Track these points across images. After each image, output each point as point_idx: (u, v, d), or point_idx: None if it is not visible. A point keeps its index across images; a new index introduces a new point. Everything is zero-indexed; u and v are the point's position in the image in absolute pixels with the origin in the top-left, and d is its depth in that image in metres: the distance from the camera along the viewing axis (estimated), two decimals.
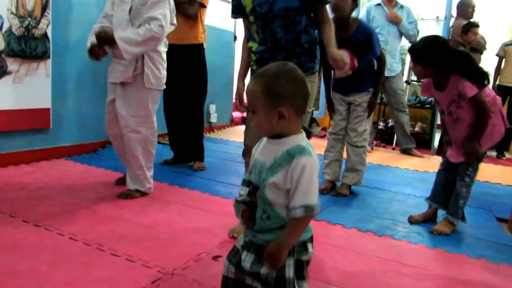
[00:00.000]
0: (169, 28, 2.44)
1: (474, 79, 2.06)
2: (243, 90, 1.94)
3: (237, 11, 1.97)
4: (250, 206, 1.08)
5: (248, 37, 2.00)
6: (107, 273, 1.58)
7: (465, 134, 2.17)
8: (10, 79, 2.90)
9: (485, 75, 2.09)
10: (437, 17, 6.34)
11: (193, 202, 2.49)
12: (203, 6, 3.24)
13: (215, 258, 1.78)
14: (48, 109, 3.17)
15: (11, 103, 2.93)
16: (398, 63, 4.49)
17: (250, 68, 2.03)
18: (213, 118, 5.25)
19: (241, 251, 1.12)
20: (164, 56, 2.53)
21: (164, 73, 2.52)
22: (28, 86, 3.01)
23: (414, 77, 5.53)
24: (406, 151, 4.61)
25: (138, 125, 2.44)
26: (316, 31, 1.96)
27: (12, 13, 2.85)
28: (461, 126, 2.19)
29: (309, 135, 1.90)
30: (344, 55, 1.87)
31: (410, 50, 2.22)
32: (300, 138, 1.08)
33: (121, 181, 2.69)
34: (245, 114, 2.00)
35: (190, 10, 3.12)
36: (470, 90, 2.05)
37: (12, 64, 2.89)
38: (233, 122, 5.73)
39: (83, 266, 1.62)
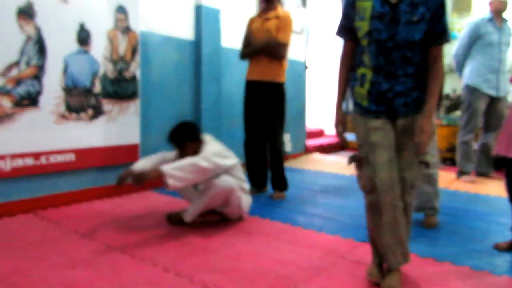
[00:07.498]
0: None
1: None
2: (344, 118, 1.93)
3: (345, 32, 1.86)
4: None
5: (357, 63, 1.85)
6: None
7: None
8: (105, 118, 3.16)
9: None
10: None
11: (275, 233, 2.50)
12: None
13: None
14: (136, 145, 3.41)
15: (105, 140, 3.19)
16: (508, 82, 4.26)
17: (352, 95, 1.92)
18: (288, 147, 5.30)
19: None
20: None
21: None
22: (120, 124, 3.27)
23: None
24: (485, 174, 4.36)
25: None
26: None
27: (107, 58, 3.14)
28: None
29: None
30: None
31: None
32: None
33: (174, 219, 2.64)
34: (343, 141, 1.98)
35: (283, 53, 3.27)
36: None
37: (106, 105, 3.16)
38: (307, 150, 5.74)
39: None
